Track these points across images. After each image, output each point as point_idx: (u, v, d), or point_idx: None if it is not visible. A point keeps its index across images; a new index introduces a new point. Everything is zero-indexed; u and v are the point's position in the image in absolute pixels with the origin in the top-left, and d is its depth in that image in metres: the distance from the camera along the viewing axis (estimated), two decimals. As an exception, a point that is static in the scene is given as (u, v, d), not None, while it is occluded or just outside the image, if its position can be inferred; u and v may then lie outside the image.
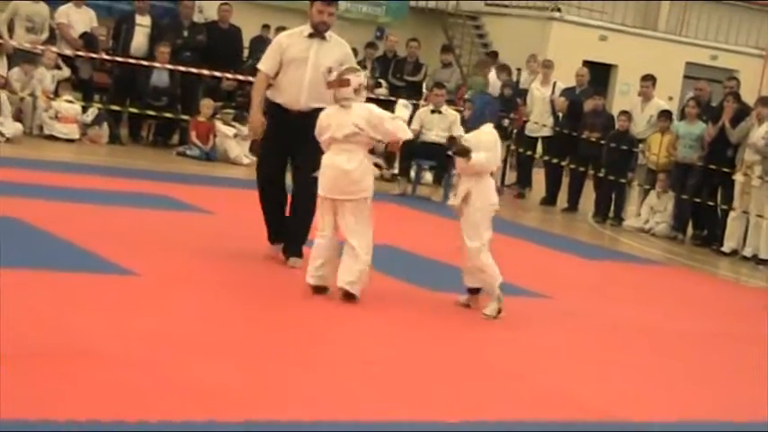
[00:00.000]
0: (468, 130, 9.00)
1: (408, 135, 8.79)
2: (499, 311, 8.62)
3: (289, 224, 9.60)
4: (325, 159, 8.59)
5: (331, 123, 8.57)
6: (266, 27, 20.49)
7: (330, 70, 9.16)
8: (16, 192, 10.91)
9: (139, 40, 17.58)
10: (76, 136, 16.48)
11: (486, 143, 8.70)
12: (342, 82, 8.59)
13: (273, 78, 9.52)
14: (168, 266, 8.80)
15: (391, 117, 8.64)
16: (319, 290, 8.49)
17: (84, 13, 17.95)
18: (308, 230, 9.42)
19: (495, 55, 22.92)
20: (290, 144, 9.39)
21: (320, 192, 8.55)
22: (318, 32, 9.48)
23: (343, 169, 8.48)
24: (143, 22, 17.72)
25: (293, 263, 9.44)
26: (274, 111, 9.53)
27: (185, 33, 18.32)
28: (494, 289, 8.67)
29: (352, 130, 8.47)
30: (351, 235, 8.44)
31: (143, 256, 8.94)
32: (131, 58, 17.28)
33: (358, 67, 9.07)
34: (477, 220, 8.76)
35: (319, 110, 9.07)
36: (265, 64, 9.57)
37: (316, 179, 8.69)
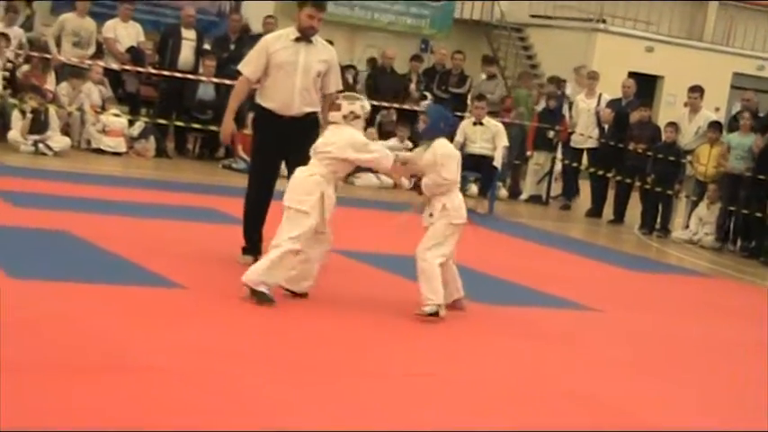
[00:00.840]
0: (421, 142, 9.00)
1: (389, 161, 8.67)
2: (436, 314, 8.41)
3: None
4: None
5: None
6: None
7: (319, 75, 9.34)
8: (64, 205, 10.98)
9: (186, 53, 17.67)
10: (123, 149, 16.58)
11: (441, 158, 8.65)
12: (333, 106, 8.65)
13: (256, 83, 9.51)
14: (215, 279, 8.81)
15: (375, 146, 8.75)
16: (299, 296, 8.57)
17: (131, 27, 18.08)
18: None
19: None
20: (283, 149, 9.28)
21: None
22: (305, 37, 9.43)
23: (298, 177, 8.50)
24: (189, 36, 17.80)
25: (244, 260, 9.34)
26: (266, 116, 9.44)
27: (232, 47, 18.40)
28: (431, 299, 8.42)
29: (325, 149, 8.45)
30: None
31: (190, 270, 8.96)
32: (177, 71, 17.37)
33: (358, 96, 8.95)
34: (438, 233, 8.67)
35: (311, 114, 9.21)
36: (248, 68, 9.49)
37: None
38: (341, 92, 9.44)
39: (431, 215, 8.78)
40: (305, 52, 9.40)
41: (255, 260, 8.85)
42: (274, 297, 8.17)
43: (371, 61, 22.11)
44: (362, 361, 7.12)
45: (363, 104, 8.68)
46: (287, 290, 8.45)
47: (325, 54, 9.57)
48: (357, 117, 8.57)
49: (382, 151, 8.70)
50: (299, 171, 8.49)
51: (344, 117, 8.54)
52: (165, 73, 17.43)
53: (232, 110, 9.63)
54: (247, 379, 6.22)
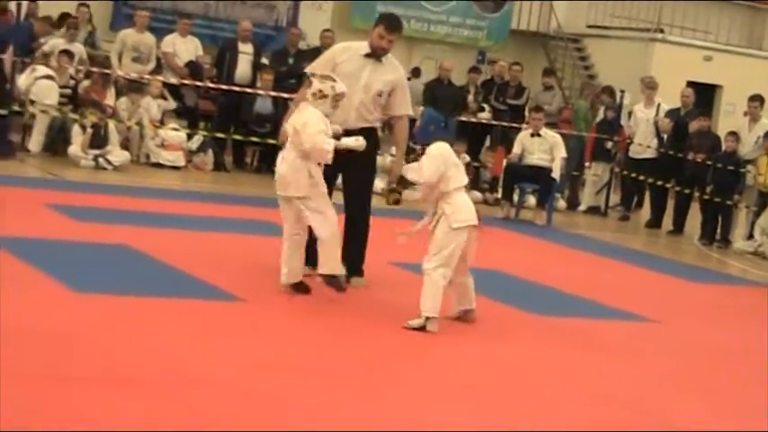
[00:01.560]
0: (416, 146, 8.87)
1: (326, 156, 8.52)
2: (423, 328, 8.13)
3: (348, 245, 9.33)
4: None
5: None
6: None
7: (380, 94, 9.28)
8: (124, 219, 11.07)
9: (243, 67, 17.78)
10: (182, 163, 16.69)
11: (425, 158, 8.44)
12: (307, 83, 8.69)
13: None
14: (273, 293, 8.83)
15: (318, 130, 8.45)
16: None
17: (189, 42, 18.23)
18: (365, 250, 9.52)
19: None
20: (339, 161, 8.91)
21: None
22: (375, 55, 9.40)
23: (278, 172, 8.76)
24: (246, 50, 17.91)
25: (357, 283, 9.37)
26: None
27: (290, 61, 18.49)
28: (422, 311, 8.18)
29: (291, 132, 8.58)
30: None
31: (248, 283, 9.00)
32: (235, 85, 17.47)
33: (334, 78, 8.76)
34: (437, 240, 8.42)
35: (366, 129, 9.18)
36: (316, 70, 9.32)
37: (369, 199, 9.05)
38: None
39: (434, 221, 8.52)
40: (370, 69, 9.38)
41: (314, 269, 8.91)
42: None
43: (414, 71, 22.09)
44: (420, 373, 7.12)
45: (334, 85, 8.60)
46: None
47: (392, 75, 9.50)
48: (324, 96, 8.52)
49: (320, 144, 8.44)
50: (280, 161, 8.71)
51: (312, 95, 8.55)
52: (223, 87, 17.53)
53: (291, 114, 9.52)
54: (307, 393, 6.23)
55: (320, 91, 8.53)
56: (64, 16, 18.43)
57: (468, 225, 8.37)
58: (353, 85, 9.18)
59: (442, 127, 8.74)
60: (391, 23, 9.52)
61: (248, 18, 20.67)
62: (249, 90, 17.55)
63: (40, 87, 15.86)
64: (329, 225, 8.69)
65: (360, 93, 9.27)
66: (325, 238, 8.65)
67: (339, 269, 8.80)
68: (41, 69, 15.97)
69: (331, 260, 8.70)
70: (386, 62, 9.49)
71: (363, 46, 9.48)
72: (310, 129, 8.44)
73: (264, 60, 18.61)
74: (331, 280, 8.74)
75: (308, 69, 9.62)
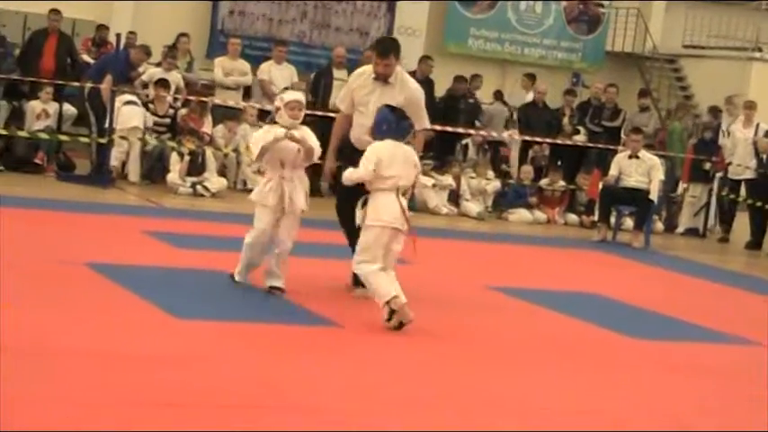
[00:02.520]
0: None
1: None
2: (392, 313, 8.28)
3: None
4: None
5: None
6: (460, 78, 20.26)
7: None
8: (221, 245, 11.14)
9: (337, 93, 17.85)
10: (279, 189, 16.77)
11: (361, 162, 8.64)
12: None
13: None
14: (371, 319, 8.83)
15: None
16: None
17: (285, 68, 18.36)
18: None
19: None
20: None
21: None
22: (381, 79, 9.62)
23: None
24: (340, 76, 18.00)
25: (362, 293, 9.26)
26: (349, 147, 9.71)
27: None
28: (380, 299, 8.34)
29: None
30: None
31: (345, 308, 9.01)
32: (330, 111, 17.55)
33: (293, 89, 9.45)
34: (361, 236, 8.61)
35: None
36: (343, 104, 9.89)
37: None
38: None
39: None
40: (380, 92, 9.57)
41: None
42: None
43: (497, 94, 22.00)
44: (521, 397, 7.07)
45: (282, 96, 9.29)
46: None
47: (402, 94, 9.58)
48: (278, 109, 9.18)
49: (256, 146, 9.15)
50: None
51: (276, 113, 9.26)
52: (319, 113, 17.62)
53: (333, 148, 9.99)
54: (402, 420, 6.21)
55: (276, 108, 9.25)
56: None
57: (381, 226, 8.51)
58: (365, 109, 9.50)
59: (393, 127, 8.80)
60: (382, 49, 9.71)
61: (342, 44, 20.81)
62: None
63: (123, 113, 16.07)
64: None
65: (371, 116, 9.21)
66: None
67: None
68: (125, 96, 16.20)
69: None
70: (395, 83, 9.66)
71: (372, 71, 9.71)
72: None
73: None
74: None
75: (337, 103, 10.19)
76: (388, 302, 8.28)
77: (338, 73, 18.05)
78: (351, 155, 9.43)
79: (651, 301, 11.04)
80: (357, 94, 9.69)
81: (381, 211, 8.54)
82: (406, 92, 9.69)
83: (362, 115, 9.54)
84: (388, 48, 9.73)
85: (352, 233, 9.32)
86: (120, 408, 5.66)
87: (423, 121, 9.82)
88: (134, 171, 16.24)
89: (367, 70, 9.80)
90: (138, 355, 6.82)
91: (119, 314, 7.84)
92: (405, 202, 8.69)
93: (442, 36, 26.33)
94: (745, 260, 16.63)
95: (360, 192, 8.84)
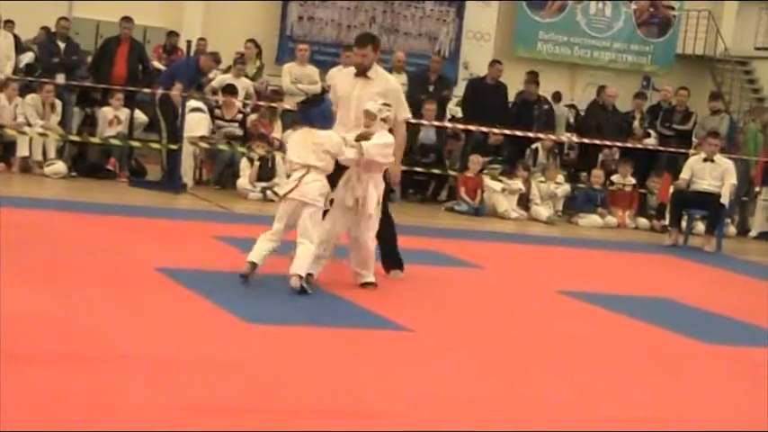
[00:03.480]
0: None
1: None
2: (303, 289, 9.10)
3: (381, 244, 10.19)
4: None
5: None
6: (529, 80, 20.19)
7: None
8: (291, 250, 11.17)
9: None
10: (348, 194, 16.81)
11: None
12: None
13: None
14: (442, 323, 8.84)
15: None
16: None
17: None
18: (396, 243, 10.47)
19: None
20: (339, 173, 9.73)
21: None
22: (360, 72, 10.13)
23: None
24: (400, 80, 18.02)
25: (396, 275, 10.44)
26: None
27: (431, 88, 18.57)
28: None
29: None
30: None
31: (416, 313, 9.00)
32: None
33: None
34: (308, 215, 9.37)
35: None
36: (335, 105, 10.28)
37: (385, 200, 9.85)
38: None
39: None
40: (360, 86, 10.09)
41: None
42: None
43: (555, 96, 21.91)
44: (593, 405, 7.01)
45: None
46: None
47: (381, 87, 10.12)
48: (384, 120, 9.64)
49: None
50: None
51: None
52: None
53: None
54: (472, 423, 6.20)
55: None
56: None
57: (284, 196, 9.57)
58: (348, 103, 10.11)
59: (326, 115, 9.71)
60: (359, 39, 10.38)
61: (410, 49, 20.84)
62: (413, 120, 17.63)
63: (189, 120, 16.18)
64: None
65: (354, 109, 9.97)
66: None
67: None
68: (192, 103, 16.31)
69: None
70: (375, 77, 10.18)
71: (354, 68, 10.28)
72: None
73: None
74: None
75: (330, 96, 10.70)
76: (300, 278, 9.13)
77: (398, 77, 18.03)
78: None
79: (724, 305, 10.93)
80: (337, 90, 10.30)
81: (287, 185, 9.71)
82: (385, 84, 10.22)
83: (346, 108, 10.11)
84: (364, 39, 10.33)
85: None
86: (193, 413, 5.69)
87: (405, 111, 10.40)
88: (188, 175, 16.31)
89: (346, 68, 10.44)
90: (211, 359, 6.86)
91: (190, 319, 7.90)
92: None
93: (511, 40, 26.28)
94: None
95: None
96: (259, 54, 19.61)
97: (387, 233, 10.23)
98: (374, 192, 9.59)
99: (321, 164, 9.37)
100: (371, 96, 9.91)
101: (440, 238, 13.49)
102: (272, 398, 6.21)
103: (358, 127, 9.83)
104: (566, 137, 19.68)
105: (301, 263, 9.20)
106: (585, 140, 19.09)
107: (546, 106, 19.76)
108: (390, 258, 10.51)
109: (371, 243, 9.77)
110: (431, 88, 18.65)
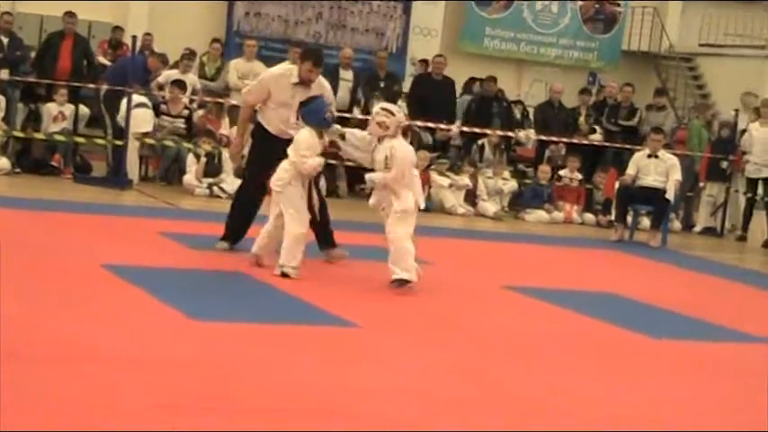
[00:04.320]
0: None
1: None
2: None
3: (320, 225, 10.78)
4: None
5: None
6: (491, 78, 20.14)
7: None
8: (239, 246, 11.16)
9: (342, 94, 17.88)
10: (296, 190, 16.75)
11: None
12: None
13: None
14: (390, 319, 8.84)
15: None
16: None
17: (298, 70, 18.31)
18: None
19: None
20: (275, 160, 10.16)
21: None
22: (303, 84, 10.63)
23: None
24: (346, 77, 18.08)
25: (339, 254, 11.07)
26: (264, 135, 10.84)
27: (381, 84, 18.58)
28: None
29: None
30: None
31: (363, 308, 9.00)
32: (343, 112, 17.55)
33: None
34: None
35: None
36: (251, 97, 10.97)
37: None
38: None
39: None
40: (300, 94, 10.50)
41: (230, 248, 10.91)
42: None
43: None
44: (543, 400, 7.02)
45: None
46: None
47: (319, 91, 10.63)
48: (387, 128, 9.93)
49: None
50: None
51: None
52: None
53: (241, 134, 11.32)
54: (421, 419, 6.20)
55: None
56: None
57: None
58: (288, 109, 10.59)
59: (318, 113, 10.12)
60: (318, 60, 10.82)
61: (357, 45, 20.83)
62: (347, 115, 17.65)
63: (134, 116, 16.08)
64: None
65: (293, 114, 10.49)
66: None
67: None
68: (136, 98, 16.21)
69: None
70: (313, 84, 10.72)
71: (293, 74, 10.71)
72: None
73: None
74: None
75: (243, 94, 11.36)
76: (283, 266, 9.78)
77: (344, 74, 18.11)
78: (269, 142, 10.68)
79: (669, 300, 11.00)
80: (277, 96, 10.69)
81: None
82: (320, 89, 10.73)
83: (285, 112, 10.65)
84: (322, 59, 10.89)
85: (251, 204, 11.19)
86: (136, 411, 5.65)
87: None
88: (132, 170, 16.20)
89: (285, 74, 10.78)
90: (156, 357, 6.82)
91: (135, 316, 7.85)
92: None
93: (458, 36, 26.31)
94: (764, 259, 16.57)
95: (266, 174, 10.18)
96: (222, 54, 19.55)
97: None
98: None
99: (294, 159, 9.91)
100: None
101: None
102: (216, 396, 6.17)
103: (295, 127, 10.40)
104: (524, 134, 19.73)
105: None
106: (542, 137, 19.17)
107: (505, 103, 19.80)
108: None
109: (399, 241, 9.80)
110: (381, 84, 18.65)
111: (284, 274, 9.75)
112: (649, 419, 6.77)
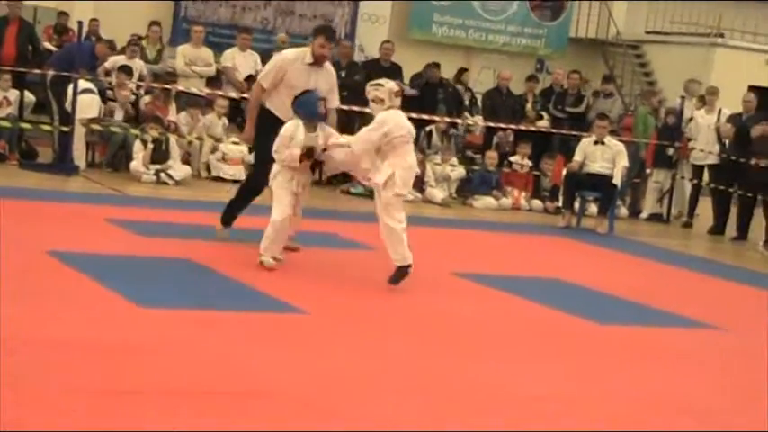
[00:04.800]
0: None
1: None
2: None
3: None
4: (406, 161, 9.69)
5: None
6: (433, 65, 20.15)
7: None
8: (185, 233, 11.13)
9: None
10: (243, 177, 16.71)
11: None
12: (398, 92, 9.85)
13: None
14: (336, 304, 8.85)
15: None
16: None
17: (249, 56, 18.26)
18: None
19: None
20: None
21: (399, 190, 9.59)
22: (318, 63, 10.59)
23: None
24: None
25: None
26: (272, 121, 10.51)
27: (343, 74, 18.53)
28: None
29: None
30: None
31: (311, 294, 9.01)
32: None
33: (381, 82, 9.96)
34: None
35: None
36: (267, 80, 10.68)
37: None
38: None
39: None
40: (315, 76, 10.53)
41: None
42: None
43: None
44: (487, 384, 7.07)
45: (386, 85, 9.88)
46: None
47: (331, 78, 10.74)
48: (381, 101, 9.77)
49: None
50: None
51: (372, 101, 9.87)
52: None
53: (252, 118, 10.94)
54: (368, 404, 6.22)
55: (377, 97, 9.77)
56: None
57: None
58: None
59: (309, 106, 10.00)
60: (330, 34, 10.90)
61: (305, 31, 20.77)
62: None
63: (81, 102, 15.95)
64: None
65: None
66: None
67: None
68: (82, 84, 16.07)
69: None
70: (325, 67, 10.72)
71: (307, 55, 10.60)
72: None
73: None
74: None
75: (260, 78, 10.99)
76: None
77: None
78: (277, 128, 10.19)
79: (616, 286, 11.08)
80: (292, 78, 10.48)
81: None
82: (332, 75, 10.79)
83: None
84: (333, 34, 10.87)
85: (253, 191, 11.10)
86: (84, 396, 5.64)
87: (337, 100, 11.07)
88: (79, 156, 16.07)
89: (300, 56, 10.63)
90: (102, 344, 6.79)
91: (81, 303, 7.81)
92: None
93: (406, 23, 26.30)
94: (709, 245, 16.71)
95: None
96: (160, 37, 19.42)
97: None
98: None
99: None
100: (325, 86, 10.51)
101: (335, 221, 13.48)
102: (163, 381, 6.17)
103: None
104: (471, 120, 19.76)
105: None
106: (490, 124, 19.20)
107: (450, 89, 19.81)
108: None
109: (389, 227, 9.69)
110: (342, 74, 18.59)
111: (261, 263, 9.79)
112: (581, 402, 6.83)
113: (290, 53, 10.82)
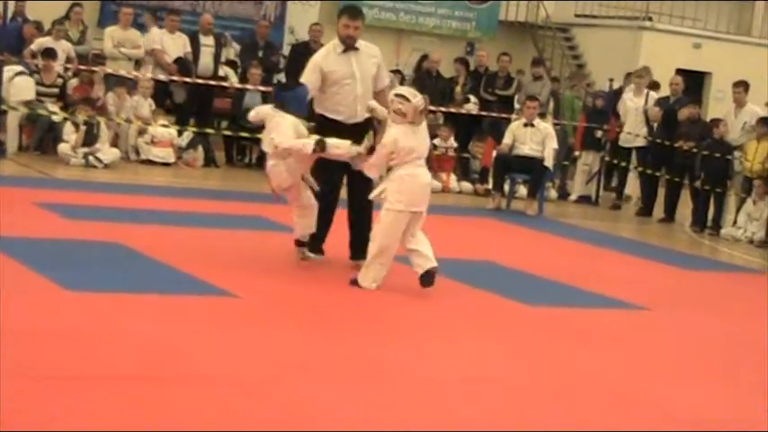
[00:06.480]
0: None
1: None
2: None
3: (355, 232, 9.99)
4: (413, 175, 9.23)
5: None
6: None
7: (373, 77, 9.87)
8: (115, 217, 11.07)
9: (204, 60, 17.80)
10: (172, 160, 16.66)
11: None
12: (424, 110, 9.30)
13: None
14: (267, 287, 8.85)
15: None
16: None
17: (178, 38, 18.14)
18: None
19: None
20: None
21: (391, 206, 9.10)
22: (349, 46, 9.85)
23: (428, 183, 9.53)
24: (207, 43, 17.97)
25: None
26: (331, 125, 9.69)
27: (260, 54, 18.53)
28: None
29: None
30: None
31: (241, 278, 8.99)
32: (198, 77, 17.47)
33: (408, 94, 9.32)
34: None
35: (369, 118, 9.69)
36: (307, 79, 9.77)
37: (371, 188, 9.45)
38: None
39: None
40: (356, 61, 9.83)
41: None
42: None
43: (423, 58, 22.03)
44: (417, 366, 7.11)
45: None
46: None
47: (373, 57, 9.99)
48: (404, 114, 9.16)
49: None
50: None
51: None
52: (212, 82, 17.55)
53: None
54: (300, 387, 6.23)
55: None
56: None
57: None
58: (351, 82, 9.75)
59: (301, 101, 9.46)
60: (353, 11, 10.09)
61: (235, 13, 20.68)
62: (239, 85, 17.60)
63: (15, 85, 15.79)
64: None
65: (360, 86, 9.76)
66: None
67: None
68: (15, 67, 15.90)
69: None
70: (362, 47, 9.94)
71: (336, 44, 9.92)
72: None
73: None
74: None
75: (302, 79, 9.86)
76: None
77: (205, 39, 18.01)
78: (335, 133, 9.47)
79: (545, 268, 11.17)
80: (334, 74, 9.74)
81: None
82: (375, 50, 10.06)
83: (349, 89, 9.77)
84: (358, 11, 10.12)
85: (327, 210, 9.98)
86: (16, 382, 5.60)
87: (387, 77, 10.41)
88: (12, 141, 15.92)
89: (330, 49, 9.96)
90: (33, 329, 6.74)
91: (10, 287, 7.73)
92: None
93: (336, 5, 26.22)
94: (636, 227, 16.88)
95: (340, 172, 9.80)
96: (81, 19, 19.20)
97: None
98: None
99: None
100: (372, 67, 9.89)
101: (265, 204, 13.43)
102: (95, 366, 6.15)
103: (363, 104, 9.71)
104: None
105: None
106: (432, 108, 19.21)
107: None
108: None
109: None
110: (260, 53, 18.58)
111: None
112: (510, 383, 6.90)
113: (320, 52, 10.09)
